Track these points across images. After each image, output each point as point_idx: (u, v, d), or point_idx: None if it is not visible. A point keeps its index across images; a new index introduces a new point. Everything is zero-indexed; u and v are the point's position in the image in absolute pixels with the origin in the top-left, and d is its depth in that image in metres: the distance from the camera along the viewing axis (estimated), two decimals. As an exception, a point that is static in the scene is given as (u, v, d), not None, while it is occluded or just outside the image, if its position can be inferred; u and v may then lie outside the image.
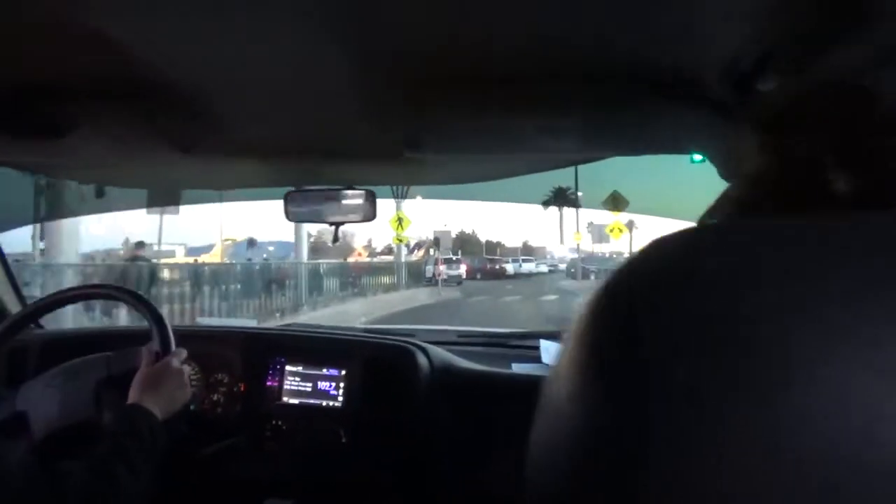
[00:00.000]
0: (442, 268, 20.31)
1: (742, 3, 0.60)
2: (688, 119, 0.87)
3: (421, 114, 0.92)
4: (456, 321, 9.20)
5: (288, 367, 1.36)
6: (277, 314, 10.29)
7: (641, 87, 0.82)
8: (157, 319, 1.13)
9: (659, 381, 0.21)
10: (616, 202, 13.02)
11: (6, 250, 1.56)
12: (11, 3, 0.63)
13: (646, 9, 0.63)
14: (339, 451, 1.29)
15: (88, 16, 0.64)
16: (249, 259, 18.41)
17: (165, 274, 10.04)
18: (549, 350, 1.43)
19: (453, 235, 40.58)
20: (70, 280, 7.03)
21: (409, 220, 14.47)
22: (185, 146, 1.07)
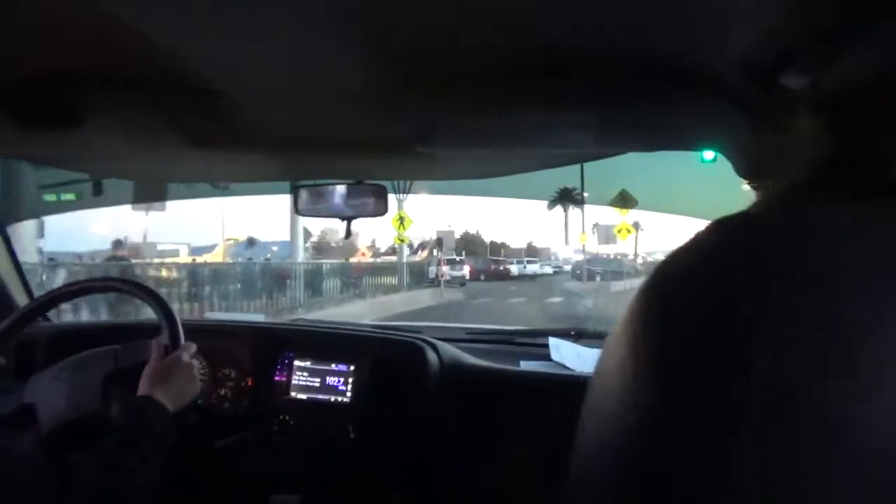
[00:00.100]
0: (445, 268, 20.28)
1: None
2: (706, 115, 0.86)
3: (433, 109, 0.91)
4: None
5: (296, 362, 1.35)
6: (271, 317, 10.21)
7: (657, 81, 0.81)
8: (167, 314, 1.13)
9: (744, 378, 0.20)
10: (625, 201, 12.87)
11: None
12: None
13: (662, 1, 0.62)
14: (346, 447, 1.28)
15: (99, 6, 0.64)
16: (249, 259, 18.40)
17: (152, 273, 9.85)
18: (559, 348, 1.42)
19: (458, 236, 40.59)
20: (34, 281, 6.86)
21: (411, 220, 14.40)
22: (195, 139, 1.07)
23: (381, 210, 1.30)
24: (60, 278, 7.20)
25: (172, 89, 0.88)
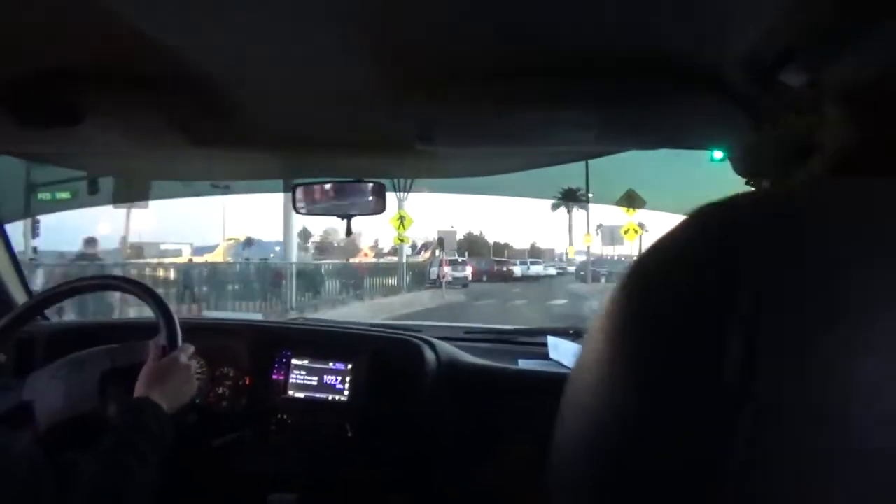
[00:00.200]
0: (447, 269, 20.22)
1: None
2: (706, 113, 0.86)
3: (433, 108, 0.91)
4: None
5: (294, 361, 1.35)
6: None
7: (657, 80, 0.81)
8: (166, 314, 1.13)
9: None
10: (632, 200, 12.74)
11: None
12: None
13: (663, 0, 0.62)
14: (344, 446, 1.28)
15: (100, 5, 0.64)
16: (247, 259, 18.28)
17: (133, 273, 9.44)
18: (557, 346, 1.42)
19: (461, 236, 40.52)
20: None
21: (412, 219, 14.31)
22: (196, 138, 1.07)
23: (380, 208, 1.30)
24: (39, 279, 6.96)
25: (173, 88, 0.88)
